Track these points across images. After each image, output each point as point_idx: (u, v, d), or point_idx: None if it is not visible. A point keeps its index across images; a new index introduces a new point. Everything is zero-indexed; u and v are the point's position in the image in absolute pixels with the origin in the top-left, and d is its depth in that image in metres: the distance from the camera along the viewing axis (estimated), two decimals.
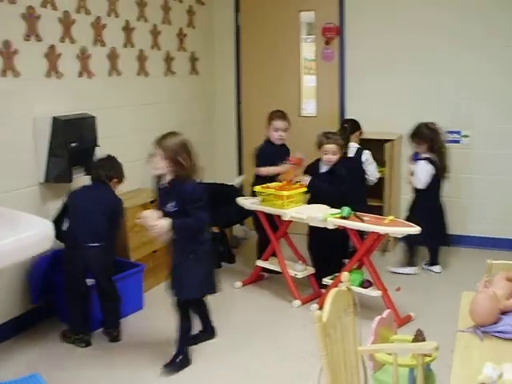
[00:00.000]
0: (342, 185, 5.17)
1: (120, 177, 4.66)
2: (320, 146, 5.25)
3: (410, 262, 5.83)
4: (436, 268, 5.86)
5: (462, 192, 6.50)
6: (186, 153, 3.95)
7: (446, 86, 6.41)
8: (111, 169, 4.59)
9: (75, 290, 4.40)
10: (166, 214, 3.92)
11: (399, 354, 2.64)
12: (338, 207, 4.81)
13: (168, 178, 3.96)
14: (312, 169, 5.37)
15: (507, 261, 3.19)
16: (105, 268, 4.45)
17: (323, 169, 5.30)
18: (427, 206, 5.61)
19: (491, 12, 6.13)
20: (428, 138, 5.61)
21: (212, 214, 5.99)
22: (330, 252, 5.29)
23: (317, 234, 5.18)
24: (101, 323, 4.60)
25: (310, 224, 4.93)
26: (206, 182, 6.17)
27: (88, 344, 4.41)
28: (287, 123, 5.56)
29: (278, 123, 5.53)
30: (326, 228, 4.76)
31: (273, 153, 5.53)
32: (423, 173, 5.56)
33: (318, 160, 5.35)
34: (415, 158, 5.71)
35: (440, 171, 5.63)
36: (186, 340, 4.17)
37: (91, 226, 4.36)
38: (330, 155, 5.20)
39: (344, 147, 5.53)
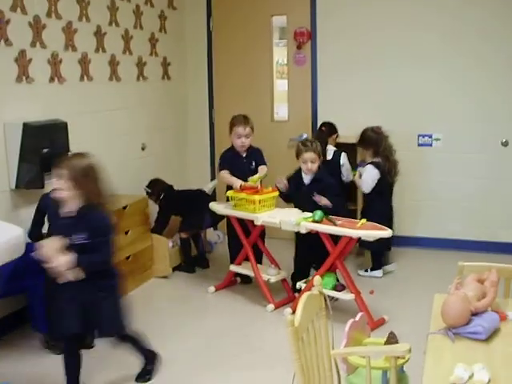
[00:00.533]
0: (334, 195, 5.08)
1: None
2: (298, 155, 5.15)
3: (377, 264, 5.89)
4: (378, 273, 5.89)
5: (433, 194, 6.57)
6: (94, 177, 3.54)
7: (418, 90, 6.47)
8: None
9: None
10: (70, 247, 3.45)
11: (372, 356, 2.65)
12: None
13: (74, 205, 3.50)
14: (295, 181, 5.24)
15: (478, 262, 3.23)
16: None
17: (306, 179, 5.17)
18: (377, 210, 5.55)
19: (462, 11, 6.22)
20: (374, 143, 5.64)
21: (183, 219, 6.04)
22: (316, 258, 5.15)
23: (305, 242, 5.13)
24: None
25: (283, 228, 4.92)
26: (177, 190, 6.22)
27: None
28: (249, 128, 5.42)
29: (240, 129, 5.41)
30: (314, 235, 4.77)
31: (235, 160, 5.46)
32: (369, 177, 5.59)
33: (299, 171, 5.24)
34: (361, 163, 5.76)
35: (387, 175, 5.66)
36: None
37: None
38: (309, 164, 5.06)
39: (322, 150, 5.43)
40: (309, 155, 5.07)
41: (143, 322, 4.83)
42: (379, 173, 5.60)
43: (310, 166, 5.08)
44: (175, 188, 6.22)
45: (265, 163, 5.48)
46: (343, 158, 5.87)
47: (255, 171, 5.38)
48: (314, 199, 4.99)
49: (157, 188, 6.09)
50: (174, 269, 5.96)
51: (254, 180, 5.16)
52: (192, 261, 6.10)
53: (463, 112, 6.36)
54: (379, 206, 5.63)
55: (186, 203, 6.01)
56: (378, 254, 5.90)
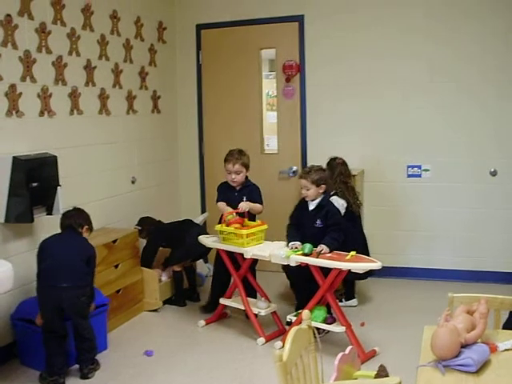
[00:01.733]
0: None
1: (90, 225, 4.74)
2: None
3: (351, 293, 5.88)
4: (353, 302, 5.88)
5: (423, 225, 6.59)
6: None
7: (407, 120, 6.53)
8: (80, 217, 4.69)
9: (53, 331, 4.35)
10: None
11: None
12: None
13: None
14: (300, 209, 5.20)
15: (467, 294, 3.24)
16: (78, 307, 4.41)
17: (311, 206, 5.12)
18: (354, 239, 5.52)
19: (450, 41, 6.29)
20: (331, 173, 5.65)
21: (174, 250, 6.02)
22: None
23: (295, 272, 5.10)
24: (75, 360, 4.55)
25: (273, 261, 4.92)
26: (165, 222, 6.23)
27: None
28: (239, 165, 5.43)
29: (229, 166, 5.46)
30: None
31: (227, 193, 5.49)
32: (338, 207, 5.52)
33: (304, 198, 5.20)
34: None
35: (352, 204, 5.71)
36: None
37: (64, 267, 4.36)
38: (303, 191, 5.05)
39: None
40: (303, 182, 5.06)
41: (133, 356, 4.83)
42: (346, 202, 5.64)
43: (304, 193, 5.06)
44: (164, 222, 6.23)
45: (257, 200, 5.47)
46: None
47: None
48: (316, 225, 5.02)
49: (146, 225, 6.09)
50: (165, 302, 5.93)
51: (228, 216, 5.21)
52: (183, 294, 6.07)
53: (451, 142, 6.40)
54: (354, 235, 5.62)
55: (174, 234, 6.00)
56: (351, 282, 5.88)
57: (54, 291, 4.31)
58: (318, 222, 5.02)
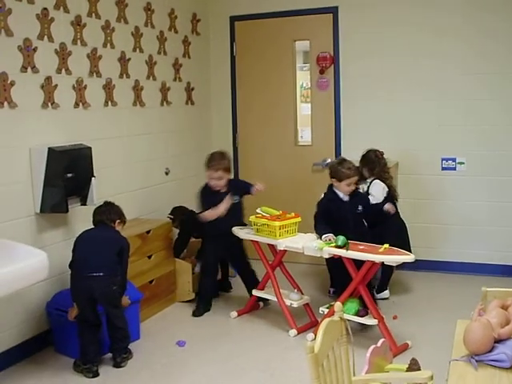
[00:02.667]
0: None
1: (122, 218, 4.80)
2: (342, 178, 5.16)
3: (385, 285, 5.84)
4: (385, 294, 5.83)
5: (458, 218, 6.52)
6: None
7: (442, 113, 6.45)
8: (111, 212, 4.74)
9: (86, 321, 4.42)
10: None
11: (394, 383, 2.63)
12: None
13: None
14: (333, 201, 5.22)
15: (501, 288, 3.20)
16: (110, 296, 4.46)
17: (345, 197, 5.20)
18: (394, 230, 5.60)
19: (483, 39, 6.20)
20: (370, 162, 5.73)
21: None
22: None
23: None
24: (109, 348, 4.62)
25: (306, 253, 4.92)
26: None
27: (95, 375, 4.37)
28: (221, 172, 5.42)
29: (211, 173, 5.45)
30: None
31: (212, 199, 5.45)
32: (379, 190, 5.59)
33: (332, 192, 5.24)
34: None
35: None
36: None
37: (95, 257, 4.42)
38: (351, 186, 5.17)
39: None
40: (354, 179, 5.20)
41: (165, 346, 4.87)
42: (386, 186, 5.63)
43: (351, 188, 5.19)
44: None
45: (247, 185, 5.61)
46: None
47: (239, 202, 5.55)
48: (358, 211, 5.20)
49: (179, 215, 6.10)
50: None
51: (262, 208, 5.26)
52: (217, 285, 6.10)
53: (486, 135, 6.31)
54: (395, 225, 5.60)
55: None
56: (385, 275, 5.84)
57: (86, 281, 4.37)
58: (360, 207, 5.19)
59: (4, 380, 4.35)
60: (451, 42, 6.32)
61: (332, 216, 5.10)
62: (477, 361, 2.53)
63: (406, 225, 5.89)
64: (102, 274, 4.37)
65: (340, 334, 2.64)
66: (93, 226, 4.72)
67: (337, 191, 5.21)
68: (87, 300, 4.39)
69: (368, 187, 5.65)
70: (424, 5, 6.39)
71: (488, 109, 6.29)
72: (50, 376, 4.41)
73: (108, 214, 4.71)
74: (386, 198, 5.61)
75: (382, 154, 5.79)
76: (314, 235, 5.07)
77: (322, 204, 5.25)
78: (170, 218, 6.01)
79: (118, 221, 4.73)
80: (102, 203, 4.80)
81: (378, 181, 5.64)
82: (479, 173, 6.39)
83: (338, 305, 2.70)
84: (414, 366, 2.94)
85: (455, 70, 6.35)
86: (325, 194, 5.31)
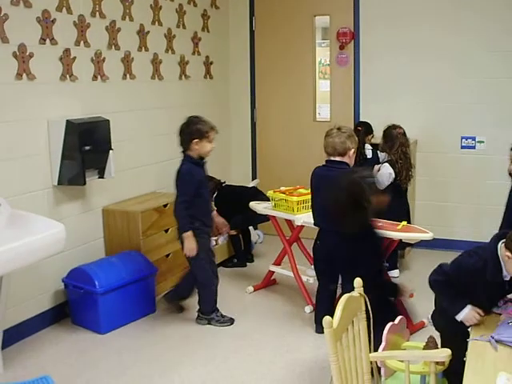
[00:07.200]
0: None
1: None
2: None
3: (394, 264, 5.80)
4: (395, 272, 5.79)
5: (473, 197, 6.47)
6: None
7: (462, 92, 6.37)
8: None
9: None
10: None
11: (411, 361, 2.62)
12: None
13: None
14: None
15: None
16: None
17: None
18: (395, 209, 5.47)
19: (509, 15, 6.09)
20: (389, 139, 5.68)
21: (237, 215, 5.97)
22: None
23: None
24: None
25: None
26: (230, 185, 6.26)
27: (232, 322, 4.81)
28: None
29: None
30: None
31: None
32: (386, 172, 5.53)
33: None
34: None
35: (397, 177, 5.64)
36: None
37: None
38: None
39: (361, 149, 5.53)
40: None
41: (181, 320, 4.88)
42: (394, 172, 5.57)
43: None
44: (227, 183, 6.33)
45: None
46: (381, 155, 5.80)
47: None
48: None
49: (210, 185, 6.00)
50: (220, 264, 5.93)
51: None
52: (243, 256, 6.13)
53: (507, 114, 6.24)
54: (397, 205, 5.55)
55: (241, 199, 5.92)
56: (394, 253, 5.79)
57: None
58: None
59: (25, 348, 4.40)
60: (475, 16, 6.22)
61: None
62: (497, 341, 2.51)
63: (410, 205, 5.89)
64: None
65: (359, 310, 2.62)
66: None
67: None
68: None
69: (379, 168, 5.62)
70: None
71: (510, 88, 6.21)
72: (69, 346, 4.46)
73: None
74: (389, 185, 5.55)
75: (401, 129, 5.73)
76: None
77: None
78: None
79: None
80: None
81: (387, 165, 5.57)
82: (498, 152, 6.31)
83: (357, 280, 2.69)
84: (431, 344, 2.92)
85: (478, 46, 6.25)
86: None
